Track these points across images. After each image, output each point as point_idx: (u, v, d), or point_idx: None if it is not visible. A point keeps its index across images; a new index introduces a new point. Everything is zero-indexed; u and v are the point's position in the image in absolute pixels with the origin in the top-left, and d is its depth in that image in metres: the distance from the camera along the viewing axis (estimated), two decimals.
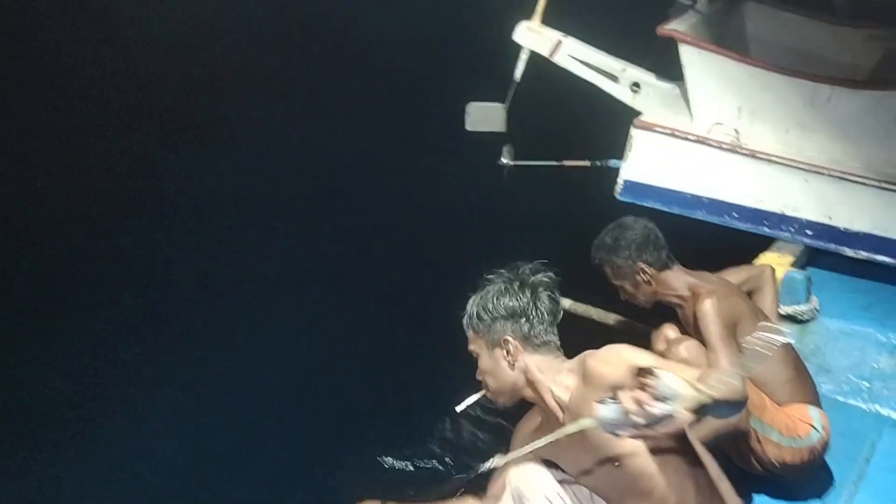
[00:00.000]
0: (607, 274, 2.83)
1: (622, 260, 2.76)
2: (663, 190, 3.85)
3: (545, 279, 2.04)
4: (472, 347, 2.07)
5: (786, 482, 2.67)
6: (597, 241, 2.84)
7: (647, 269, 2.76)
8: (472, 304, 2.05)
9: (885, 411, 3.11)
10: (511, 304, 1.99)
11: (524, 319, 1.99)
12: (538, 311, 2.00)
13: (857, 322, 3.43)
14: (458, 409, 2.14)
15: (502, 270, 2.07)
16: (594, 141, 4.37)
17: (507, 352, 1.99)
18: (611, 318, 3.52)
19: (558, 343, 2.04)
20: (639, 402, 1.52)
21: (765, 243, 3.80)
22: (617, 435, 1.63)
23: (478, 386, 2.11)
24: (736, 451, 2.59)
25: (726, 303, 2.63)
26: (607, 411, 1.57)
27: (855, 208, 3.51)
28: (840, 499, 2.57)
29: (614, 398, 1.58)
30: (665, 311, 2.87)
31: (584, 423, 1.70)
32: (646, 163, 3.89)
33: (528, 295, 2.00)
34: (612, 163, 4.09)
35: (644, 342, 2.90)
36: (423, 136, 6.07)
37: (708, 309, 2.58)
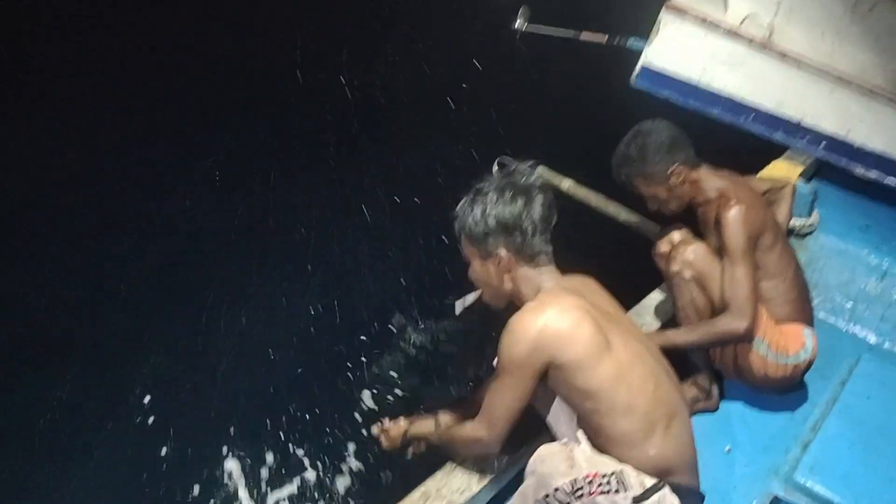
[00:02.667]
0: (637, 186, 2.64)
1: (654, 166, 2.58)
2: (682, 82, 3.66)
3: (538, 184, 2.01)
4: (465, 254, 2.08)
5: (760, 393, 2.75)
6: (618, 155, 2.63)
7: (681, 170, 2.60)
8: (465, 214, 2.02)
9: (862, 334, 3.17)
10: (504, 216, 1.97)
11: (517, 232, 1.97)
12: (532, 222, 1.98)
13: (853, 242, 3.42)
14: (457, 311, 2.20)
15: (494, 173, 2.07)
16: (615, 18, 4.13)
17: (500, 263, 2.00)
18: (611, 206, 3.44)
19: (550, 252, 2.04)
20: None
21: (775, 152, 3.71)
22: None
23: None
24: (721, 354, 2.64)
25: (753, 213, 2.55)
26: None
27: (875, 126, 3.40)
28: (811, 417, 2.65)
29: None
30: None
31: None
32: (670, 49, 3.67)
33: (522, 204, 1.97)
34: (632, 42, 3.87)
35: (646, 239, 2.90)
36: None
37: (735, 216, 2.50)
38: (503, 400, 1.94)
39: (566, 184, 3.60)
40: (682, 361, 2.57)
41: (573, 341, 1.87)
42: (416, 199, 4.28)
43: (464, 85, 5.03)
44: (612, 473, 1.85)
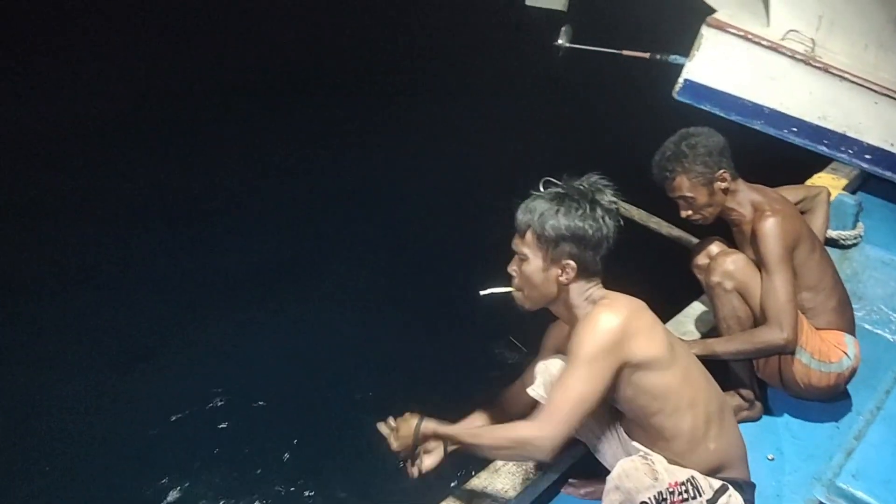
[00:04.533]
0: (678, 185, 2.59)
1: (702, 167, 2.55)
2: (725, 94, 3.72)
3: (613, 206, 1.99)
4: (522, 249, 2.00)
5: (805, 402, 2.77)
6: (667, 150, 2.60)
7: (725, 176, 2.58)
8: (545, 214, 1.96)
9: None
10: (584, 229, 1.94)
11: (589, 249, 1.96)
12: (607, 244, 1.98)
13: None
14: (483, 293, 2.07)
15: (573, 183, 2.01)
16: (657, 34, 4.20)
17: (563, 272, 1.97)
18: (653, 221, 3.51)
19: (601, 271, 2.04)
20: None
21: (818, 164, 3.73)
22: None
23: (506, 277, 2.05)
24: (764, 364, 2.66)
25: (790, 225, 2.56)
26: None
27: None
28: (856, 425, 2.66)
29: None
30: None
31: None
32: (711, 63, 3.74)
33: (599, 222, 1.95)
34: (674, 58, 3.94)
35: (684, 252, 2.94)
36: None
37: (772, 227, 2.51)
38: (575, 394, 1.84)
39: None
40: (724, 371, 2.61)
41: (651, 339, 1.92)
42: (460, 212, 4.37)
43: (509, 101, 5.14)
44: (687, 480, 1.92)
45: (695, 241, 3.01)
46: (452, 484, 2.30)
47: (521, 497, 2.24)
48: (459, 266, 4.01)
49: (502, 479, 2.24)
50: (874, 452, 2.39)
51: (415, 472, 2.04)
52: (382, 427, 2.05)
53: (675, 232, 3.36)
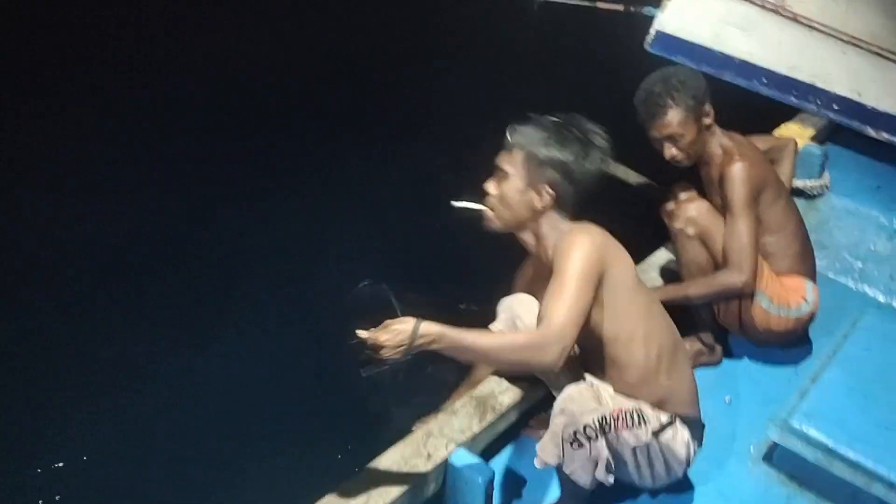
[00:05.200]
0: (670, 122, 2.54)
1: (692, 100, 2.54)
2: (696, 46, 3.70)
3: (607, 155, 2.01)
4: (506, 166, 2.00)
5: (764, 347, 2.81)
6: (653, 88, 2.56)
7: (711, 112, 2.59)
8: (542, 138, 1.97)
9: (871, 292, 3.23)
10: (573, 161, 1.96)
11: (570, 183, 1.98)
12: (589, 185, 2.00)
13: (863, 203, 3.46)
14: (456, 204, 2.08)
15: (574, 118, 2.01)
16: None
17: (539, 198, 1.99)
18: (621, 170, 3.51)
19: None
20: None
21: (788, 115, 3.74)
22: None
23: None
24: (724, 310, 2.70)
25: (756, 170, 2.60)
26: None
27: (886, 87, 3.43)
28: (812, 369, 2.71)
29: None
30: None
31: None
32: (683, 15, 3.72)
33: (593, 165, 1.98)
34: (647, 10, 3.92)
35: (652, 197, 2.96)
36: None
37: (738, 172, 2.55)
38: (574, 305, 1.82)
39: None
40: (686, 317, 2.65)
41: (620, 259, 1.98)
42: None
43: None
44: (633, 409, 1.97)
45: (664, 190, 3.03)
46: (411, 426, 2.31)
47: (480, 438, 2.27)
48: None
49: (460, 420, 2.26)
50: (828, 393, 2.43)
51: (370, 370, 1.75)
52: (362, 332, 1.72)
53: (645, 181, 3.37)
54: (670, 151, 2.62)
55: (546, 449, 1.90)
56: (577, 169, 1.96)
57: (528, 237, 2.08)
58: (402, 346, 1.69)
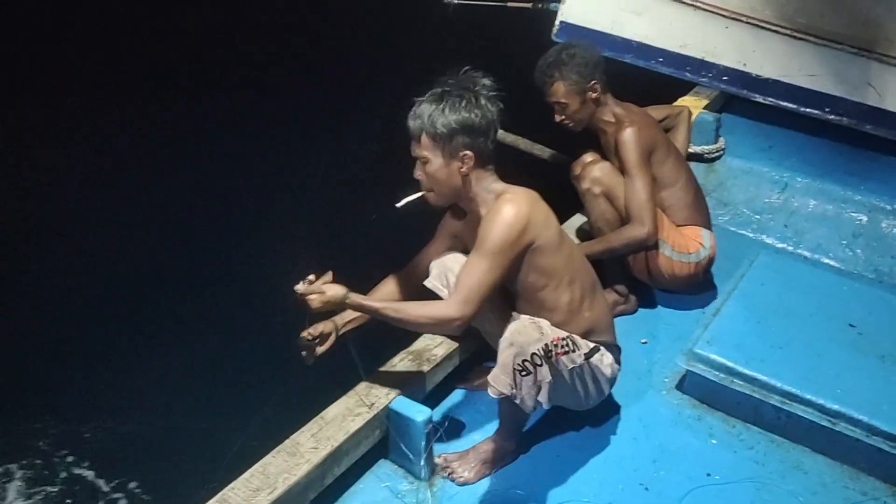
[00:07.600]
0: (554, 90, 2.88)
1: (577, 75, 2.85)
2: (597, 33, 4.02)
3: (495, 94, 2.15)
4: (421, 153, 2.15)
5: (675, 294, 3.09)
6: (549, 57, 2.88)
7: (597, 87, 2.89)
8: (431, 114, 2.10)
9: (769, 240, 3.55)
10: (472, 119, 2.09)
11: (482, 137, 2.13)
12: (494, 128, 2.15)
13: (757, 162, 3.79)
14: (398, 205, 2.24)
15: (453, 80, 2.14)
16: None
17: (462, 163, 2.14)
18: (537, 148, 3.79)
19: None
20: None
21: (684, 89, 4.07)
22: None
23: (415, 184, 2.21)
24: (634, 261, 2.97)
25: (645, 133, 2.89)
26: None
27: (766, 56, 3.78)
28: (715, 306, 3.00)
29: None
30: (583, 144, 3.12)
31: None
32: (582, 6, 4.06)
33: (484, 109, 2.10)
34: (553, 6, 4.24)
35: (564, 169, 3.22)
36: None
37: (629, 136, 2.84)
38: (485, 280, 2.06)
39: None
40: (601, 272, 2.90)
41: (549, 226, 2.17)
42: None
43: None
44: (567, 336, 2.20)
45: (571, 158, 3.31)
46: (347, 381, 2.40)
47: (416, 391, 2.42)
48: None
49: (399, 372, 2.44)
50: (728, 322, 2.72)
51: (310, 358, 2.24)
52: (300, 286, 2.11)
53: (557, 155, 3.65)
54: (559, 116, 2.96)
55: (499, 380, 2.10)
56: (477, 120, 2.10)
57: (465, 202, 2.25)
58: (329, 307, 2.14)
